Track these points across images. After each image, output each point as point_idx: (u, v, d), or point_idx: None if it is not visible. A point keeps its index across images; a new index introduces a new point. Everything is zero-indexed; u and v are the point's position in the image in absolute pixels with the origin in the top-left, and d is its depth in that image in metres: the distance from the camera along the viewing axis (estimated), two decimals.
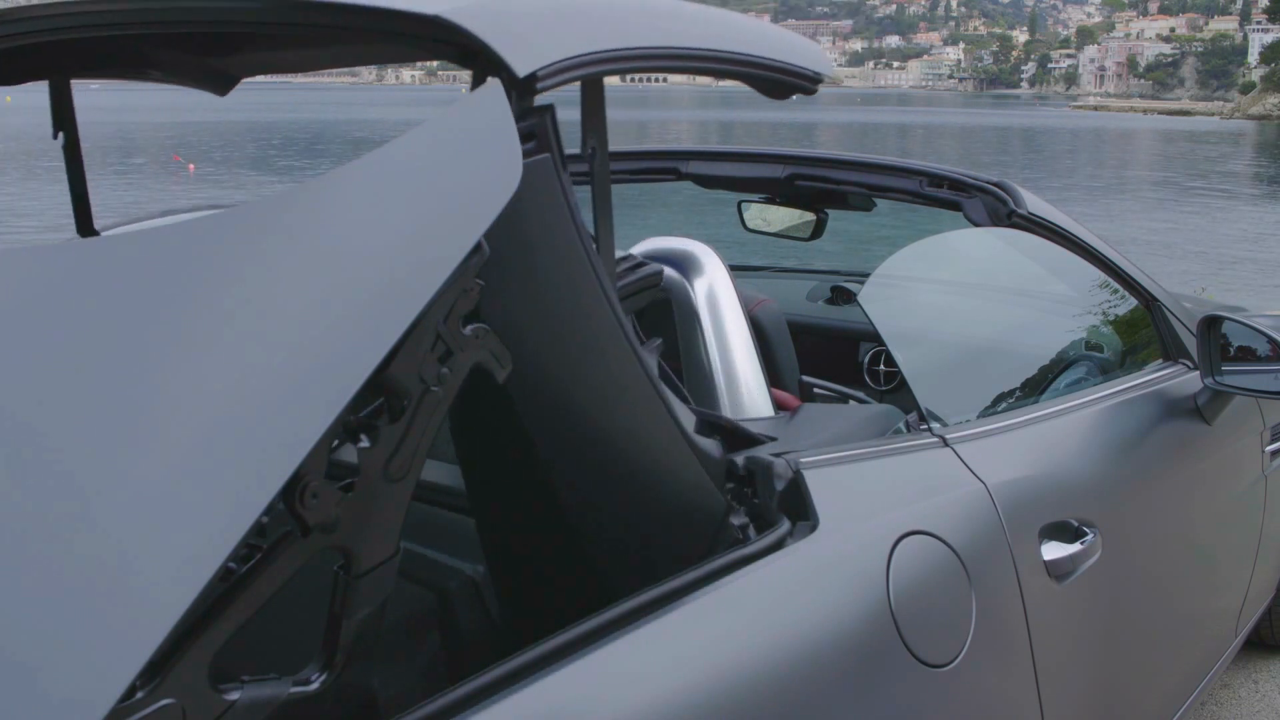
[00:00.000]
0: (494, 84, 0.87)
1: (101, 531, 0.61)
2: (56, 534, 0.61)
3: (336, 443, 0.77)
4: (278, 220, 0.74)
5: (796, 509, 1.23)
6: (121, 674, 0.55)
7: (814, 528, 1.20)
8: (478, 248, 0.75)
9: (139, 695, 0.62)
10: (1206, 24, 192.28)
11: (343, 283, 0.73)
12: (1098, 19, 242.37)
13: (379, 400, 0.77)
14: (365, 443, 0.74)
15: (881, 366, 2.82)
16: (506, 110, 0.84)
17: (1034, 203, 2.02)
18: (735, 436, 1.32)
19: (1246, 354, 2.15)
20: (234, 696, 0.69)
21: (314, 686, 0.76)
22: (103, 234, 1.51)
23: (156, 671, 0.63)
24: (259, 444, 0.65)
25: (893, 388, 2.75)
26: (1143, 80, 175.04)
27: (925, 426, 1.54)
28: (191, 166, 26.64)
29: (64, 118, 1.42)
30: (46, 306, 0.69)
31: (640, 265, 1.42)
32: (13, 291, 0.69)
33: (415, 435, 0.76)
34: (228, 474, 0.64)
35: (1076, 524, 1.61)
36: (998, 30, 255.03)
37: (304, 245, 0.73)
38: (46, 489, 0.64)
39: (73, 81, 1.40)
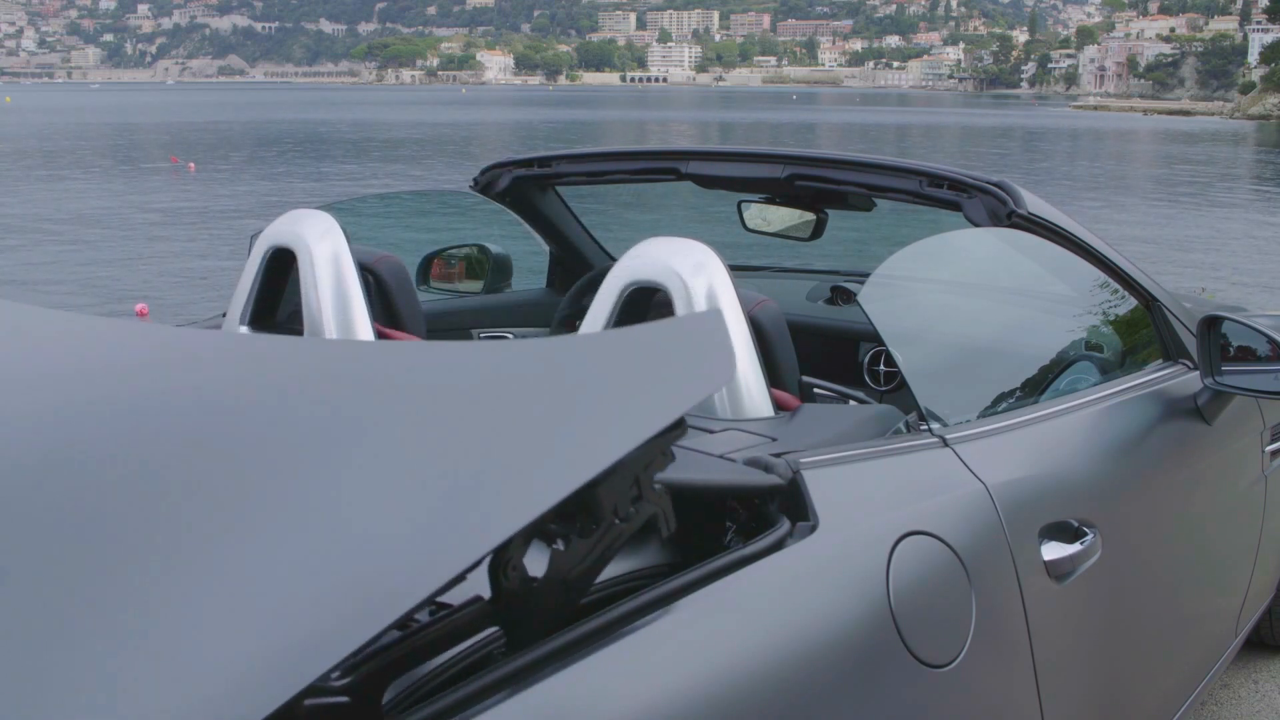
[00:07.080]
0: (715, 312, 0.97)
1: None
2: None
3: None
4: (549, 362, 0.91)
5: (796, 509, 1.23)
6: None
7: (814, 528, 1.20)
8: (679, 422, 0.86)
9: None
10: (1206, 24, 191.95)
11: (573, 414, 0.84)
12: (1098, 19, 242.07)
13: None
14: (560, 545, 0.87)
15: (881, 366, 2.81)
16: (724, 330, 0.99)
17: (1034, 203, 2.02)
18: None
19: (1246, 354, 2.15)
20: None
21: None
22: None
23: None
24: (476, 518, 0.73)
25: (893, 388, 2.74)
26: (1143, 80, 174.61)
27: (925, 426, 1.54)
28: (192, 166, 26.64)
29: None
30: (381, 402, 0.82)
31: None
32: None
33: (595, 555, 0.89)
34: (450, 534, 0.71)
35: (1076, 524, 1.61)
36: (998, 30, 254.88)
37: (556, 385, 0.87)
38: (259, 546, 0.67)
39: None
